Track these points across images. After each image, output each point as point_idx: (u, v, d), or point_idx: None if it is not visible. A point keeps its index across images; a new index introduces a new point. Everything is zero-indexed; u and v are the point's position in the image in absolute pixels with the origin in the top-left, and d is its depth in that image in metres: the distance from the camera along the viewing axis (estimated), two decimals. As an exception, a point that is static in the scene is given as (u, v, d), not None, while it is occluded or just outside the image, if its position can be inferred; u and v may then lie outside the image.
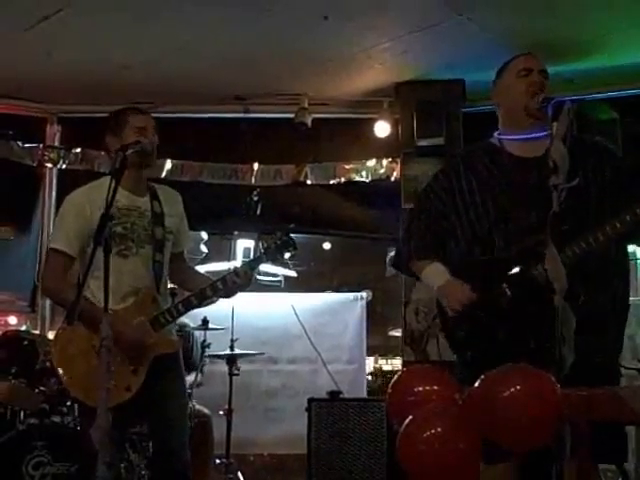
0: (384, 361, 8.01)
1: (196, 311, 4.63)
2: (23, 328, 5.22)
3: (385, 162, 5.58)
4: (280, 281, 7.11)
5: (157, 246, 3.15)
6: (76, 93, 5.43)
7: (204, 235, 6.37)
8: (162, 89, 5.30)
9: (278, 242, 3.16)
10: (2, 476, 3.68)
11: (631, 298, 2.71)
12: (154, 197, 3.22)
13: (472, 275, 2.66)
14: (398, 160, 5.49)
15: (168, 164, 5.63)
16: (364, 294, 6.10)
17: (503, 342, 2.54)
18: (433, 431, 2.10)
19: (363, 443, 4.62)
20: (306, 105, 5.42)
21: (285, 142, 5.66)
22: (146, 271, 3.12)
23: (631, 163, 2.83)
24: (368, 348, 6.25)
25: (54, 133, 5.81)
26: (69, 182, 5.26)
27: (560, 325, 2.15)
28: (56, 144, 5.81)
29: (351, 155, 5.66)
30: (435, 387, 2.29)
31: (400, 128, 5.39)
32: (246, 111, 5.62)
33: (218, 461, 5.03)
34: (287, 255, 3.23)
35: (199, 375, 4.98)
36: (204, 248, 6.44)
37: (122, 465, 3.73)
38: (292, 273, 7.32)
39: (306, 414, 4.67)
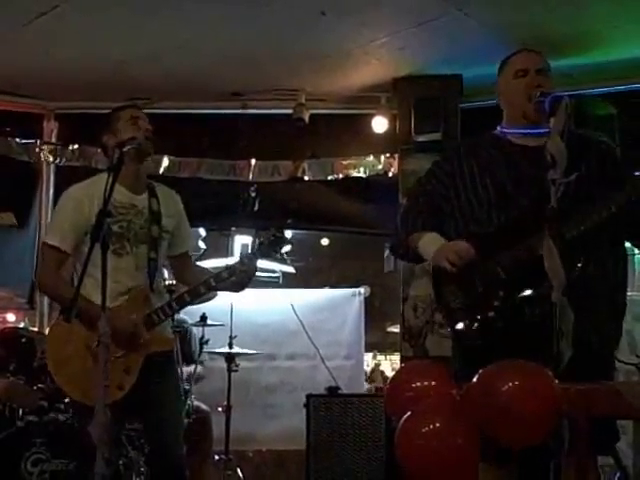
0: (382, 357, 8.04)
1: (195, 307, 4.66)
2: (21, 325, 5.22)
3: (383, 158, 5.58)
4: (278, 277, 7.11)
5: (152, 244, 3.14)
6: (74, 89, 5.42)
7: (202, 231, 6.37)
8: (160, 85, 5.29)
9: (271, 238, 3.16)
10: (1, 473, 3.69)
11: (628, 293, 2.71)
12: (152, 195, 3.21)
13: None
14: (396, 155, 5.49)
15: (165, 161, 5.62)
16: (362, 290, 6.11)
17: (498, 312, 2.54)
18: (431, 426, 2.10)
19: (361, 438, 4.63)
20: (304, 101, 5.42)
21: (283, 138, 5.65)
22: (140, 270, 3.11)
23: (629, 159, 2.83)
24: (366, 344, 6.26)
25: (51, 129, 5.79)
26: (67, 178, 5.24)
27: (558, 320, 2.15)
28: (53, 140, 5.80)
29: (349, 151, 5.65)
30: (433, 383, 2.29)
31: (398, 123, 5.39)
32: (244, 107, 5.61)
33: (217, 457, 5.04)
34: (281, 251, 3.22)
35: (199, 367, 4.98)
36: (202, 244, 6.44)
37: (121, 462, 3.73)
38: (290, 269, 7.32)
39: (304, 410, 4.68)
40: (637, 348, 4.48)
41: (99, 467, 2.37)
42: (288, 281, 7.24)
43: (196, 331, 5.21)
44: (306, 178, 5.68)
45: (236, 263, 3.17)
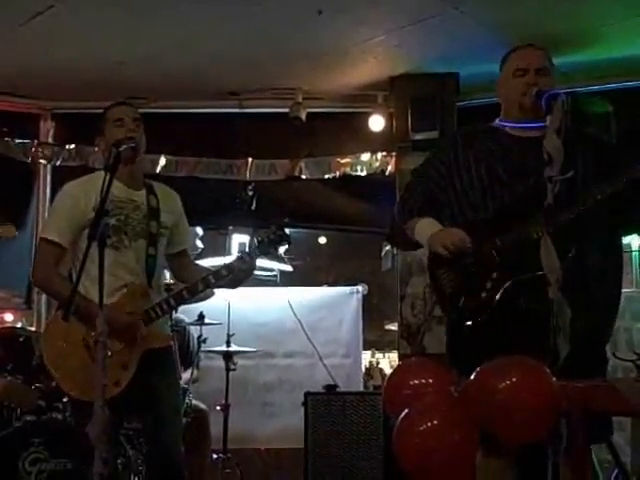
0: (381, 355, 8.03)
1: (192, 306, 4.67)
2: (19, 325, 5.21)
3: (380, 156, 5.58)
4: (276, 276, 7.10)
5: (151, 240, 3.14)
6: (70, 89, 5.42)
7: (199, 230, 6.37)
8: (156, 85, 5.29)
9: (272, 236, 3.16)
10: (-1, 472, 3.69)
11: (625, 290, 2.72)
12: (150, 192, 3.22)
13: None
14: (393, 154, 5.49)
15: (163, 160, 5.62)
16: (360, 288, 6.10)
17: (489, 296, 2.55)
18: (429, 424, 2.10)
19: (360, 437, 4.63)
20: (300, 100, 5.42)
21: (280, 137, 5.65)
22: (138, 265, 3.11)
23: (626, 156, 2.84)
24: (365, 342, 6.26)
25: (48, 129, 5.79)
26: (64, 178, 5.22)
27: (555, 316, 2.15)
28: (50, 140, 5.79)
29: (346, 149, 5.65)
30: (431, 380, 2.30)
31: (395, 122, 5.39)
32: (241, 106, 5.61)
33: (215, 456, 5.03)
34: (281, 249, 3.23)
35: (195, 370, 4.98)
36: (199, 243, 6.43)
37: (119, 461, 3.73)
38: (288, 268, 7.31)
39: (303, 408, 4.68)
40: (635, 345, 4.49)
41: (97, 467, 2.37)
42: (286, 280, 7.22)
43: (194, 330, 5.20)
44: (303, 177, 5.67)
45: (235, 260, 3.17)
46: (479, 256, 2.62)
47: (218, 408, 5.07)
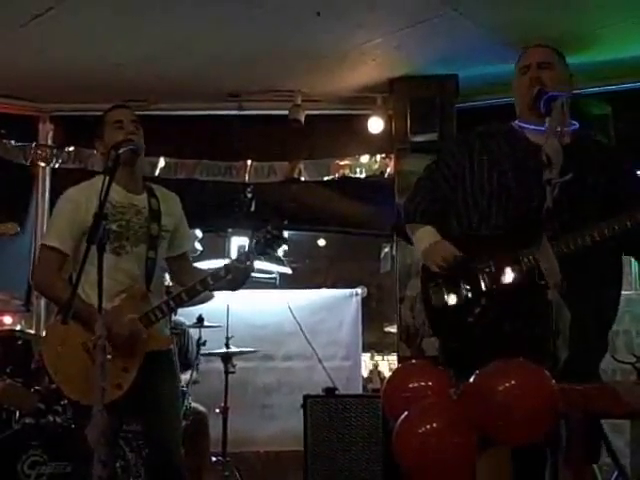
0: (380, 357, 8.04)
1: (192, 309, 4.66)
2: (18, 328, 5.20)
3: (379, 158, 5.58)
4: (275, 278, 7.10)
5: (151, 243, 3.14)
6: (69, 91, 5.42)
7: (198, 233, 6.37)
8: (155, 87, 5.29)
9: (268, 237, 3.15)
10: (-2, 475, 3.69)
11: (625, 292, 2.72)
12: (151, 195, 3.22)
13: (463, 248, 2.68)
14: (392, 156, 5.49)
15: (161, 162, 5.62)
16: (359, 290, 6.11)
17: (477, 319, 2.56)
18: (428, 427, 2.10)
19: (359, 439, 4.63)
20: (299, 102, 5.42)
21: (279, 139, 5.65)
22: (138, 269, 3.11)
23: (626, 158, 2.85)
24: (364, 344, 6.26)
25: (47, 132, 5.79)
26: (63, 181, 5.24)
27: (555, 320, 2.15)
28: (49, 143, 5.79)
29: (345, 151, 5.66)
30: (430, 383, 2.29)
31: (394, 124, 5.39)
32: (240, 108, 5.61)
33: (214, 459, 5.04)
34: (278, 250, 3.22)
35: (194, 373, 4.98)
36: (198, 245, 6.43)
37: (118, 464, 3.73)
38: (287, 270, 7.32)
39: (302, 411, 4.67)
40: (634, 348, 4.49)
41: (96, 469, 2.36)
42: (285, 282, 7.23)
43: (193, 333, 5.20)
44: (302, 179, 5.68)
45: (233, 261, 3.17)
46: (470, 278, 2.62)
47: (217, 411, 5.08)
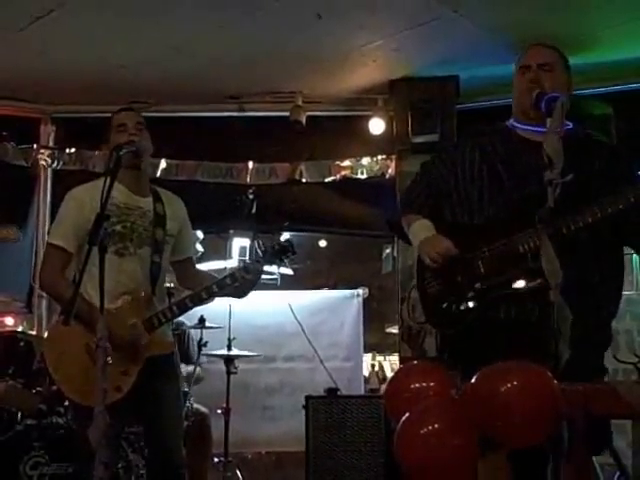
0: (382, 357, 8.02)
1: (193, 310, 4.65)
2: (20, 329, 5.21)
3: (380, 159, 5.59)
4: (276, 279, 7.10)
5: (156, 248, 3.15)
6: (70, 93, 5.42)
7: (200, 234, 6.37)
8: (156, 88, 5.29)
9: (277, 247, 3.15)
10: (0, 476, 3.69)
11: (626, 292, 2.72)
12: (157, 199, 3.22)
13: (456, 239, 2.71)
14: (393, 157, 5.50)
15: (163, 163, 5.63)
16: (360, 291, 6.10)
17: (471, 303, 2.57)
18: (430, 427, 2.10)
19: (361, 440, 4.62)
20: (300, 103, 5.42)
21: (280, 140, 5.65)
22: (142, 272, 3.11)
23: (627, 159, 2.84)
24: (365, 345, 6.25)
25: (48, 133, 5.79)
26: (64, 182, 5.24)
27: (557, 320, 2.15)
28: (51, 144, 5.80)
29: (346, 153, 5.66)
30: (431, 383, 2.29)
31: (395, 125, 5.39)
32: (241, 110, 5.62)
33: (216, 460, 5.04)
34: (285, 260, 3.22)
35: (197, 369, 4.97)
36: (200, 247, 6.44)
37: (120, 465, 3.73)
38: (288, 271, 7.31)
39: (304, 412, 4.67)
40: (636, 347, 4.48)
41: (98, 470, 2.37)
42: (286, 283, 7.22)
43: (194, 333, 5.20)
44: (303, 180, 5.68)
45: (239, 270, 3.16)
46: (465, 265, 2.64)
47: (219, 411, 5.07)
